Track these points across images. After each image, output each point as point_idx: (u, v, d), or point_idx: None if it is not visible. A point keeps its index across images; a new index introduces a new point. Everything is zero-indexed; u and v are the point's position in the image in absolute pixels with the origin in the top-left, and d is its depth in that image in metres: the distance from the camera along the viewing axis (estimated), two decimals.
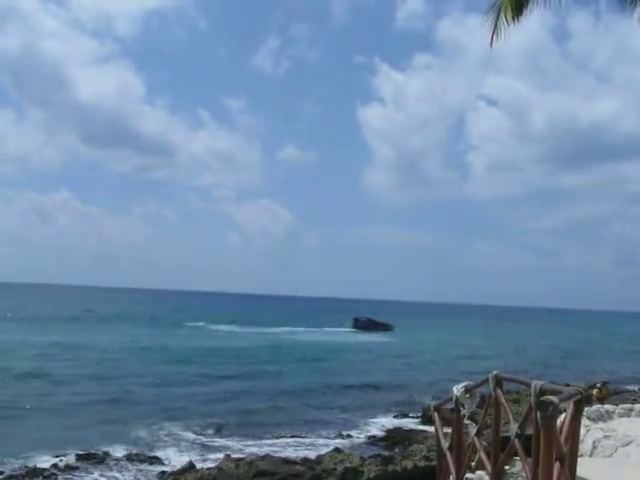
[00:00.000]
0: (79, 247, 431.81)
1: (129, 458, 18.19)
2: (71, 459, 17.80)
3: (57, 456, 17.87)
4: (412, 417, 25.24)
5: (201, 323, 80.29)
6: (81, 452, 18.33)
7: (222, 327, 76.31)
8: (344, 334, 76.31)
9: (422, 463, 15.70)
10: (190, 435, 21.26)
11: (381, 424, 24.15)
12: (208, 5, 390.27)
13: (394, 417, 25.60)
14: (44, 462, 17.33)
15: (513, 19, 11.26)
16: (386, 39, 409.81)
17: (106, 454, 18.40)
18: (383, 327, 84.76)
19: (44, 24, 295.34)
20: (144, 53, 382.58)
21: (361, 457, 17.24)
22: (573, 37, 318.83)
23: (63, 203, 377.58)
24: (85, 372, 34.19)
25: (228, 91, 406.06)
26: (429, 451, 15.75)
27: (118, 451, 18.82)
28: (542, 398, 5.02)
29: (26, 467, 16.73)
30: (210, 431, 21.86)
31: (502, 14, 11.22)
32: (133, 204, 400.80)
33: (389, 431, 22.39)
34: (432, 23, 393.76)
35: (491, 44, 11.50)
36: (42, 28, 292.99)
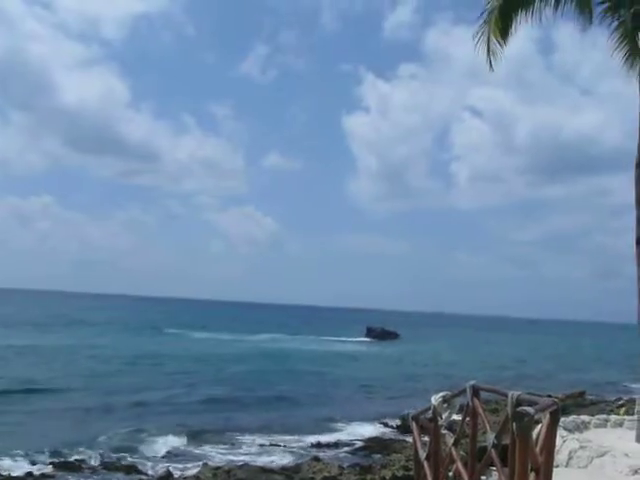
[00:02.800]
0: (59, 252, 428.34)
1: (106, 466, 17.95)
2: (47, 467, 17.54)
3: (32, 464, 17.62)
4: (392, 426, 25.21)
5: (182, 330, 79.73)
6: (57, 460, 18.08)
7: (204, 334, 75.86)
8: (358, 344, 77.63)
9: (400, 472, 15.74)
10: (168, 443, 21.03)
11: (361, 433, 24.09)
12: (196, 10, 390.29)
13: (374, 426, 25.54)
14: (19, 470, 17.01)
15: (502, 40, 11.52)
16: (373, 48, 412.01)
17: (82, 462, 18.15)
18: (394, 336, 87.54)
19: (29, 27, 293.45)
20: (130, 57, 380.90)
21: (340, 466, 17.27)
22: (558, 50, 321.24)
23: (44, 208, 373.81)
24: (61, 378, 33.83)
25: (214, 97, 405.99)
26: (407, 460, 15.79)
27: (95, 459, 18.56)
28: (518, 409, 5.04)
29: (0, 476, 16.48)
30: (188, 439, 21.64)
31: (492, 36, 11.46)
32: (116, 210, 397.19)
33: (368, 440, 22.35)
34: (420, 33, 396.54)
35: (490, 67, 11.67)
36: (27, 31, 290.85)
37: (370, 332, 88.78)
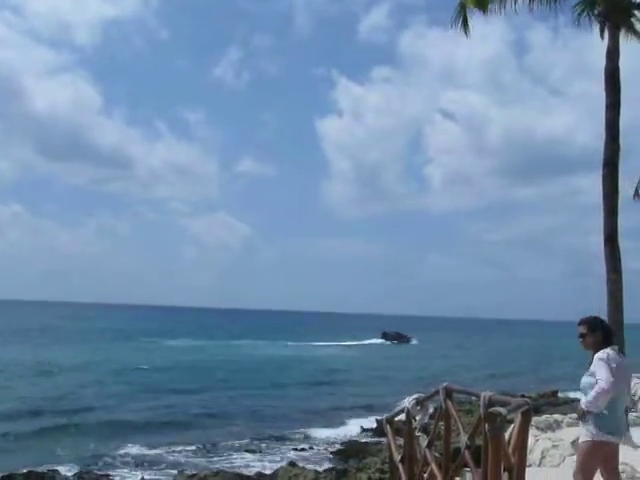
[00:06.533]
0: (30, 261, 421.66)
1: (79, 476, 17.69)
2: (18, 478, 17.23)
3: (3, 475, 17.29)
4: (367, 429, 25.24)
5: (156, 338, 78.95)
6: (29, 470, 17.77)
7: (179, 341, 75.16)
8: (378, 346, 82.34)
9: (376, 475, 15.73)
10: (142, 451, 20.84)
11: (336, 437, 24.11)
12: (169, 15, 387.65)
13: (351, 429, 25.57)
14: None
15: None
16: (347, 51, 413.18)
17: (55, 473, 17.82)
18: (407, 339, 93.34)
19: None
20: (102, 63, 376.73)
21: (315, 471, 17.22)
22: (531, 51, 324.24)
23: (13, 216, 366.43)
24: (35, 387, 33.30)
25: (187, 103, 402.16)
26: (383, 463, 15.77)
27: (68, 469, 18.31)
28: (490, 409, 5.08)
29: None
30: (163, 447, 21.46)
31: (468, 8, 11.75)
32: (87, 217, 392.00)
33: (344, 444, 22.34)
34: (394, 36, 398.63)
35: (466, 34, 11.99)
36: None
37: (386, 335, 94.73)
